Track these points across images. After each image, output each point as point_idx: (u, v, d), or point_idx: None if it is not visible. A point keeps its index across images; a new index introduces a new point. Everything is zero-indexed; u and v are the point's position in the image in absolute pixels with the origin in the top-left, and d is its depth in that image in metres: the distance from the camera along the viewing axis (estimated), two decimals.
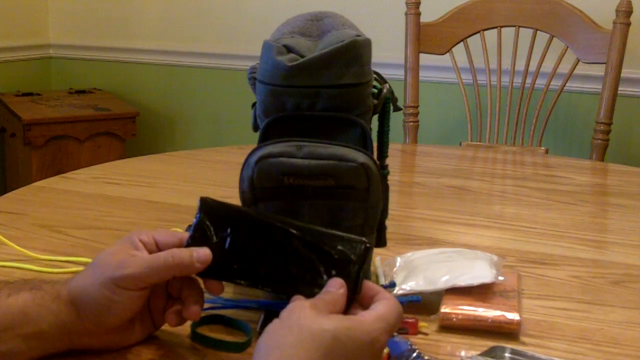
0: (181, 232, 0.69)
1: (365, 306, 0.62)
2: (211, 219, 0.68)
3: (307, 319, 0.57)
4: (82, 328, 0.64)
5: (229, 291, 0.76)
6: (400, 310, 0.62)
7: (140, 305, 0.66)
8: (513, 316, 0.75)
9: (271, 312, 0.70)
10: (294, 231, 0.65)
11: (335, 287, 0.62)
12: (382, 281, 0.82)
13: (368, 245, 0.64)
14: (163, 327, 0.71)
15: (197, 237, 0.67)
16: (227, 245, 0.66)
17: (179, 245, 0.67)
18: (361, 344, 0.57)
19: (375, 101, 0.77)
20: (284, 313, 0.59)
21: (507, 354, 0.69)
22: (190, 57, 2.85)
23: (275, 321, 0.58)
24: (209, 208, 0.68)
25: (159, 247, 0.68)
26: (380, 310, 0.60)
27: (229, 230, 0.67)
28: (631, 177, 1.45)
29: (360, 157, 0.71)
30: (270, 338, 0.57)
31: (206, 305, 0.74)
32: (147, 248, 0.67)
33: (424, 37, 2.03)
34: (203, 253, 0.65)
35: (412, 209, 1.20)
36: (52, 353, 0.65)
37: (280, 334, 0.57)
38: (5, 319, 0.62)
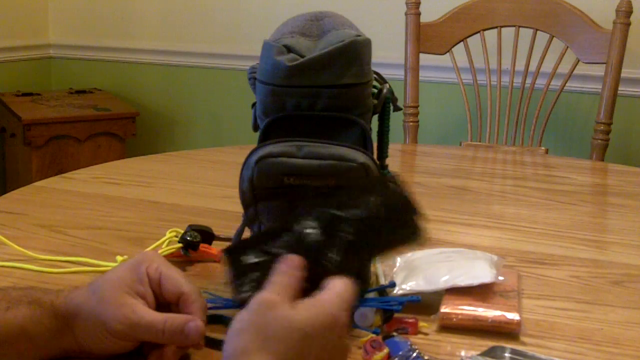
0: (186, 282, 0.67)
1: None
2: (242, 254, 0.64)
3: (275, 317, 0.55)
4: (78, 349, 0.65)
5: (228, 291, 0.76)
6: (351, 281, 0.60)
7: (135, 346, 0.65)
8: (513, 316, 0.75)
9: None
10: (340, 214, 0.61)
11: (291, 267, 0.60)
12: (382, 281, 0.82)
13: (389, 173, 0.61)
14: None
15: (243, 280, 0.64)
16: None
17: (177, 297, 0.66)
18: (326, 329, 0.56)
19: (375, 101, 0.77)
20: (252, 308, 0.56)
21: (507, 354, 0.69)
22: (190, 57, 2.85)
23: (237, 321, 0.56)
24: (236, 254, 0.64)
25: (160, 287, 0.66)
26: (337, 288, 0.59)
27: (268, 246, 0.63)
28: (631, 177, 1.45)
29: (360, 157, 0.71)
30: (235, 343, 0.55)
31: (207, 305, 0.74)
32: (151, 285, 0.66)
33: (424, 37, 2.03)
34: (194, 327, 0.63)
35: None
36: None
37: (246, 337, 0.55)
38: (5, 335, 0.62)
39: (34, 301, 0.64)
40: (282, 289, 0.58)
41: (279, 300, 0.57)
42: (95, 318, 0.63)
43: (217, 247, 0.93)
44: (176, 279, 0.66)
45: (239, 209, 0.75)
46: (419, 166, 1.57)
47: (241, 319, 0.56)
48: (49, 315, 0.64)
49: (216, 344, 0.68)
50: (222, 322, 0.72)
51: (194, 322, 0.63)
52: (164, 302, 0.67)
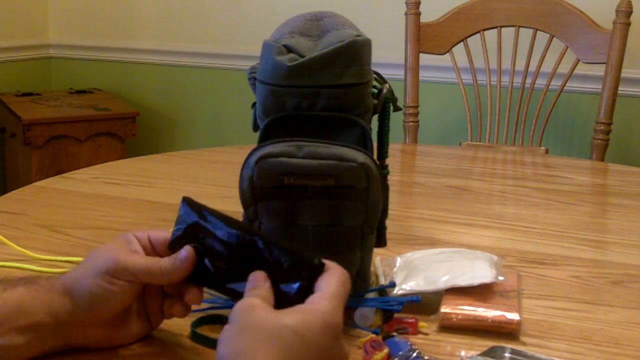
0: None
1: None
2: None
3: (261, 318, 0.56)
4: (75, 319, 0.65)
5: None
6: (347, 277, 0.60)
7: (133, 299, 0.66)
8: (513, 316, 0.75)
9: None
10: (260, 242, 0.63)
11: (262, 280, 0.61)
12: (382, 281, 0.82)
13: (318, 262, 0.61)
14: (163, 327, 0.71)
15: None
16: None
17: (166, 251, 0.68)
18: (318, 330, 0.55)
19: (375, 101, 0.77)
20: (234, 316, 0.57)
21: (507, 354, 0.69)
22: (190, 57, 2.85)
23: (227, 327, 0.57)
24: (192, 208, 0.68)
25: (152, 245, 0.69)
26: (330, 288, 0.58)
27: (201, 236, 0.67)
28: (631, 177, 1.45)
29: (360, 157, 0.71)
30: (226, 346, 0.55)
31: (206, 306, 0.74)
32: (140, 243, 0.68)
33: (424, 37, 2.03)
34: (184, 253, 0.65)
35: (412, 209, 1.20)
36: (50, 348, 0.65)
37: (237, 340, 0.55)
38: (1, 313, 0.63)
39: (30, 281, 0.66)
40: (260, 294, 0.59)
41: (261, 303, 0.58)
42: (91, 275, 0.64)
43: None
44: (165, 235, 0.69)
45: (239, 209, 0.75)
46: (419, 166, 1.57)
47: (229, 327, 0.56)
48: (45, 289, 0.65)
49: (209, 342, 0.68)
50: (222, 322, 0.73)
51: (183, 249, 0.66)
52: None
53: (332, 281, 0.59)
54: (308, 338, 0.55)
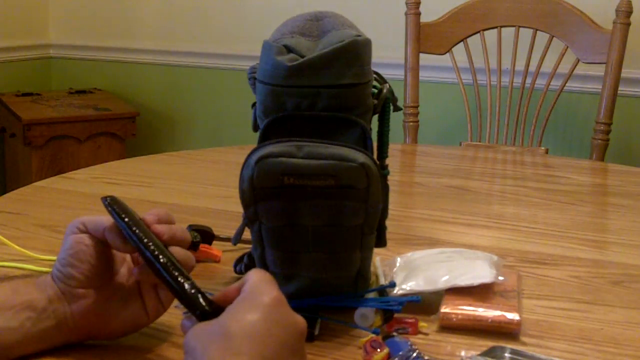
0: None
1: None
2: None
3: (201, 329, 0.57)
4: (62, 297, 0.67)
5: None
6: (265, 274, 0.61)
7: (97, 253, 0.68)
8: (513, 316, 0.75)
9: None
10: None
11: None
12: (382, 281, 0.82)
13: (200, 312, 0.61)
14: (160, 327, 0.71)
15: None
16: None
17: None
18: (247, 309, 0.56)
19: (375, 101, 0.77)
20: (185, 347, 0.57)
21: (507, 354, 0.69)
22: (190, 57, 2.85)
23: (191, 338, 0.57)
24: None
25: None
26: (253, 277, 0.59)
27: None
28: (631, 177, 1.45)
29: (361, 157, 0.71)
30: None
31: None
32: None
33: (424, 37, 2.03)
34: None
35: (412, 209, 1.20)
36: (43, 333, 0.66)
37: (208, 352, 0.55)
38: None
39: (26, 275, 0.73)
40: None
41: (194, 326, 0.59)
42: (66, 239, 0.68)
43: (217, 247, 0.93)
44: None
45: (239, 209, 0.75)
46: (419, 166, 1.57)
47: (193, 335, 0.57)
48: (37, 276, 0.70)
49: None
50: None
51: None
52: None
53: (253, 273, 0.60)
54: (246, 321, 0.55)
